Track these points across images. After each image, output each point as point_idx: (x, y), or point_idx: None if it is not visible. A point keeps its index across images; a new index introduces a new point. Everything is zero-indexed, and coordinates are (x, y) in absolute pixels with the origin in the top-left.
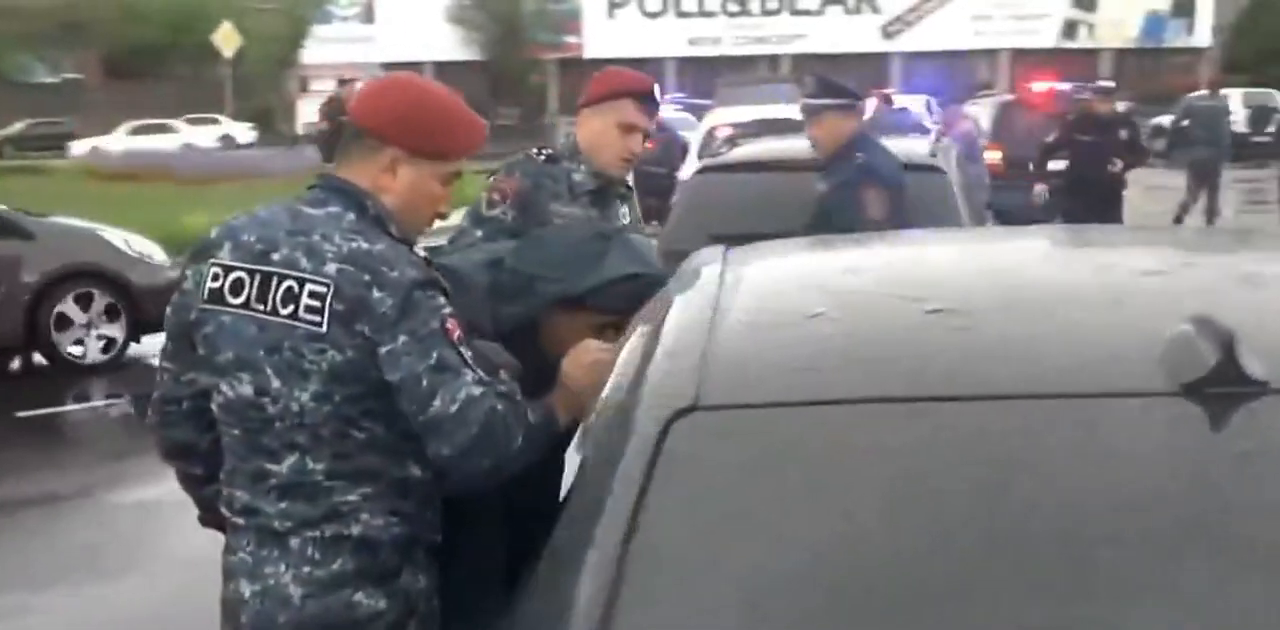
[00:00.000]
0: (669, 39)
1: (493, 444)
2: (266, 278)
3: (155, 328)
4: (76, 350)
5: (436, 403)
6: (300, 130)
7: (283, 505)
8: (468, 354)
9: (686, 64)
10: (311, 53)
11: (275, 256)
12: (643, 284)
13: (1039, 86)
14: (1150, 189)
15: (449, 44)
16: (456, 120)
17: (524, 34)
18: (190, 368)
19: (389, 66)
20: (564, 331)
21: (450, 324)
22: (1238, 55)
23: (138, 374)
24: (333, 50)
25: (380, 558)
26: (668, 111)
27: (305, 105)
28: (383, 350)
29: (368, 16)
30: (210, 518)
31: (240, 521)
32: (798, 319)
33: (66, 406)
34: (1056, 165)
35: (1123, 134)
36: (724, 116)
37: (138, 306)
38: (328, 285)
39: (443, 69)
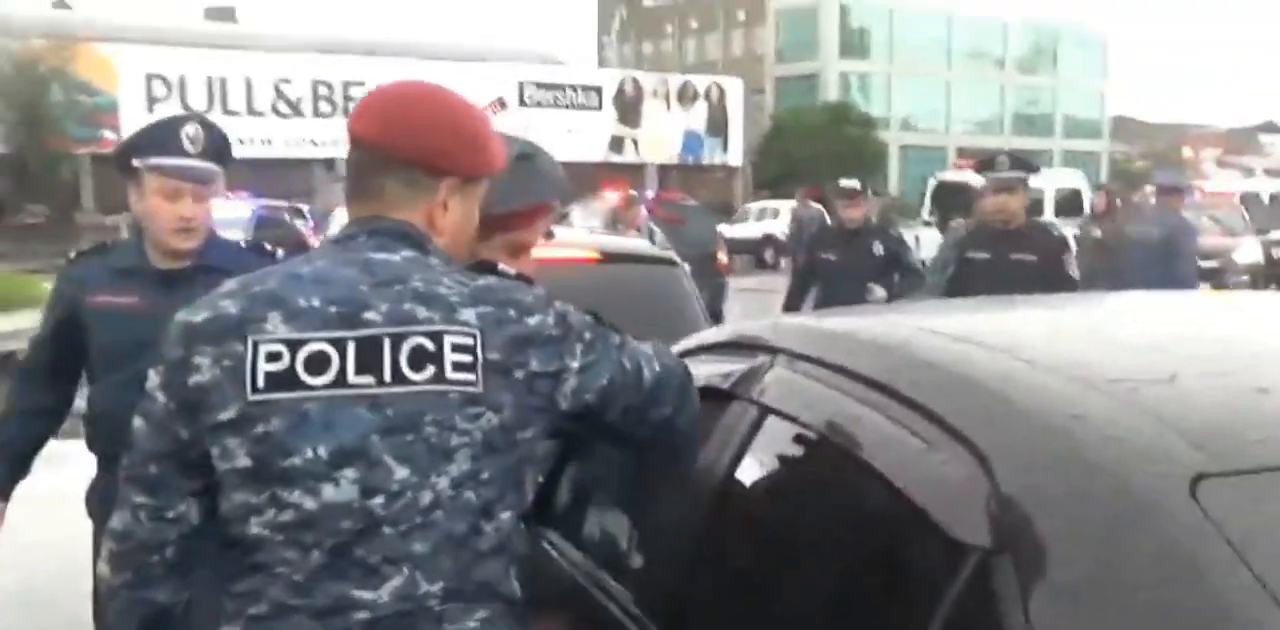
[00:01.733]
0: None
1: (688, 392)
2: (371, 343)
3: None
4: None
5: (647, 373)
6: None
7: None
8: None
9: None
10: None
11: (371, 315)
12: None
13: (610, 194)
14: (746, 291)
15: None
16: (490, 129)
17: (51, 126)
18: (188, 495)
19: None
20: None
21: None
22: (764, 173)
23: None
24: None
25: None
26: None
27: None
28: (573, 366)
29: None
30: None
31: None
32: (1170, 377)
33: None
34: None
35: (878, 248)
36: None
37: None
38: (474, 334)
39: None
